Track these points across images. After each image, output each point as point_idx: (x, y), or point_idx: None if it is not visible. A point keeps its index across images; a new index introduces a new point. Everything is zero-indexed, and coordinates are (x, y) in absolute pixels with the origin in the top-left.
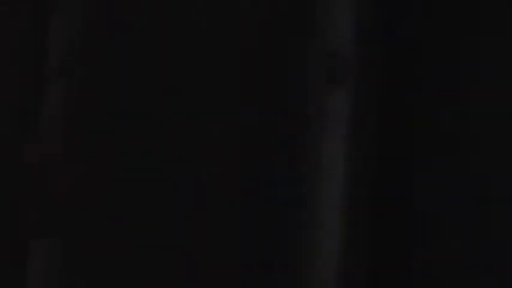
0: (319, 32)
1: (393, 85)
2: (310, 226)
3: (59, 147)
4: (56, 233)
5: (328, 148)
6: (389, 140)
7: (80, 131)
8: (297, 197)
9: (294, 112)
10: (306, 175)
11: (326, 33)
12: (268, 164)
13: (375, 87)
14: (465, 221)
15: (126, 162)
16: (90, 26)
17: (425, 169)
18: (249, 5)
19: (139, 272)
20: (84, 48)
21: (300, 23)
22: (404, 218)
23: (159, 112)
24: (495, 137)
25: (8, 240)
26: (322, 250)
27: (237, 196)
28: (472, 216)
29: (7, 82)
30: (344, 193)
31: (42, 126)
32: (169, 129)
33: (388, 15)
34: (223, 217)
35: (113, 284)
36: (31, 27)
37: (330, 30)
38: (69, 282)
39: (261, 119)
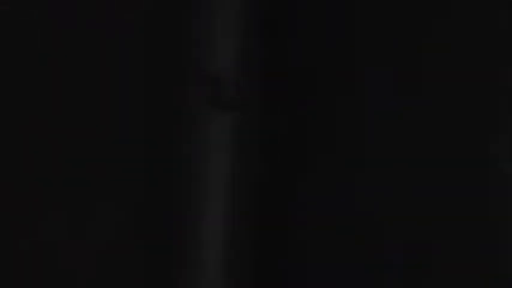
0: (202, 58)
1: (274, 108)
2: (193, 244)
3: None
4: None
5: (213, 170)
6: (273, 162)
7: None
8: (181, 215)
9: (178, 136)
10: (191, 197)
11: (209, 59)
12: (154, 184)
13: (258, 111)
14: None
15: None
16: None
17: (310, 187)
18: (130, 31)
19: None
20: None
21: (181, 47)
22: (286, 238)
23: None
24: (379, 152)
25: None
26: (207, 268)
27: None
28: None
29: None
30: (227, 213)
31: None
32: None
33: (275, 42)
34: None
35: None
36: None
37: (213, 55)
38: None
39: (145, 144)
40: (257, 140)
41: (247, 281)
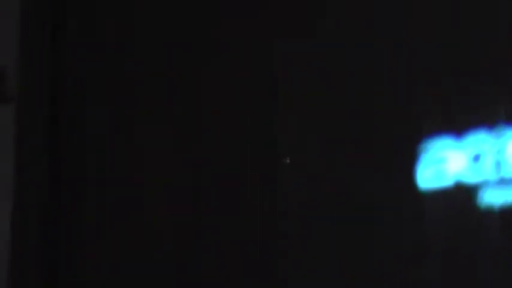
0: None
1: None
2: None
3: None
4: None
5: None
6: (58, 156)
7: None
8: None
9: None
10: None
11: None
12: None
13: (41, 107)
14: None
15: None
16: None
17: (94, 188)
18: None
19: None
20: None
21: None
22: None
23: None
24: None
25: None
26: None
27: None
28: None
29: None
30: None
31: None
32: None
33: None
34: None
35: None
36: None
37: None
38: None
39: None
40: (40, 133)
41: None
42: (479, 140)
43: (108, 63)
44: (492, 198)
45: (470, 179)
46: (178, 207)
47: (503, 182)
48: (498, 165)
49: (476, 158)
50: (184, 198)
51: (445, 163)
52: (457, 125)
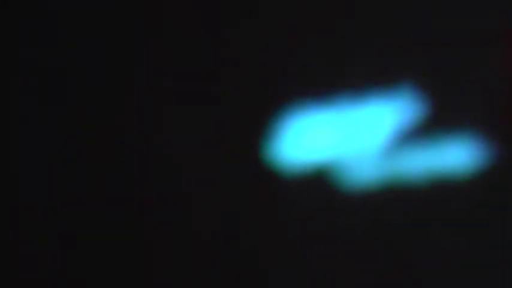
0: None
1: None
2: None
3: None
4: None
5: None
6: None
7: None
8: None
9: None
10: None
11: None
12: None
13: None
14: None
15: None
16: None
17: None
18: None
19: None
20: None
21: None
22: None
23: None
24: None
25: None
26: None
27: None
28: None
29: None
30: None
31: None
32: None
33: None
34: None
35: None
36: None
37: None
38: None
39: None
40: None
41: None
42: (351, 114)
43: None
44: (359, 170)
45: (341, 151)
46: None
47: (368, 154)
48: (364, 137)
49: (348, 131)
50: None
51: (316, 136)
52: (330, 97)
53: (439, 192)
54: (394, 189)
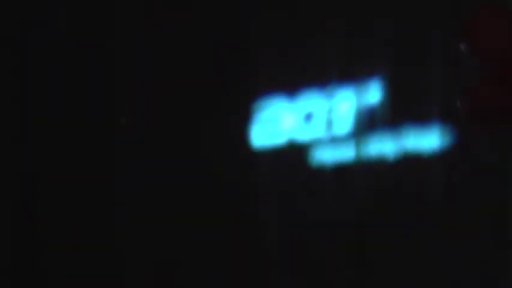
0: None
1: None
2: None
3: None
4: None
5: None
6: None
7: None
8: None
9: None
10: None
11: None
12: None
13: None
14: None
15: None
16: None
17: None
18: None
19: None
20: None
21: None
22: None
23: None
24: None
25: None
26: None
27: None
28: None
29: None
30: None
31: None
32: None
33: None
34: None
35: None
36: None
37: None
38: None
39: None
40: None
41: None
42: (311, 100)
43: None
44: (323, 156)
45: (302, 137)
46: None
47: (334, 140)
48: (329, 124)
49: (308, 117)
50: None
51: (277, 122)
52: (290, 85)
53: (405, 170)
54: (360, 168)
